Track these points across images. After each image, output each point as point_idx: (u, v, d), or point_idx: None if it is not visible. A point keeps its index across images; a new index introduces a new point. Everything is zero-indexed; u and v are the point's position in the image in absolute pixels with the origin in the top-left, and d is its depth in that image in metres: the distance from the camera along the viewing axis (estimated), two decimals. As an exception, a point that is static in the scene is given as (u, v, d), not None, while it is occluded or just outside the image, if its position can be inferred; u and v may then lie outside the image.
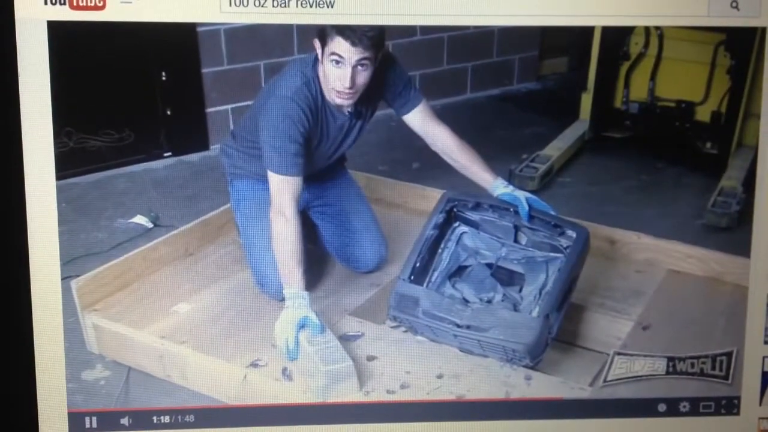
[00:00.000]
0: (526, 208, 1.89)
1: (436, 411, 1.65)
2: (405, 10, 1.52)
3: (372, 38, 1.78)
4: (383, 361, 1.77)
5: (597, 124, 3.20)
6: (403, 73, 1.98)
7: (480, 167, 1.97)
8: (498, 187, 1.95)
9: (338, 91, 1.86)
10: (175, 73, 2.85)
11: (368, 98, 1.95)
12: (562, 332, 1.86)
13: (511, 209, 1.93)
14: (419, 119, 2.01)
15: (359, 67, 1.82)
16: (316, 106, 1.90)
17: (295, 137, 1.86)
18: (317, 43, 1.83)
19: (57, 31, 1.46)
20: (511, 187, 1.94)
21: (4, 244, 1.52)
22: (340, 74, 1.83)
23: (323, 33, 1.80)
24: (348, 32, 1.76)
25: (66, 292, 1.67)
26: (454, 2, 1.52)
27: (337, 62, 1.81)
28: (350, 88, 1.84)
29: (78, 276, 1.93)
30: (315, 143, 1.95)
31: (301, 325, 1.75)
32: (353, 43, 1.77)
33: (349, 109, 1.95)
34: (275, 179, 1.86)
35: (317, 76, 1.89)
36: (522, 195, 1.91)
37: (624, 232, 2.20)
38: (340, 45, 1.78)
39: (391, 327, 1.90)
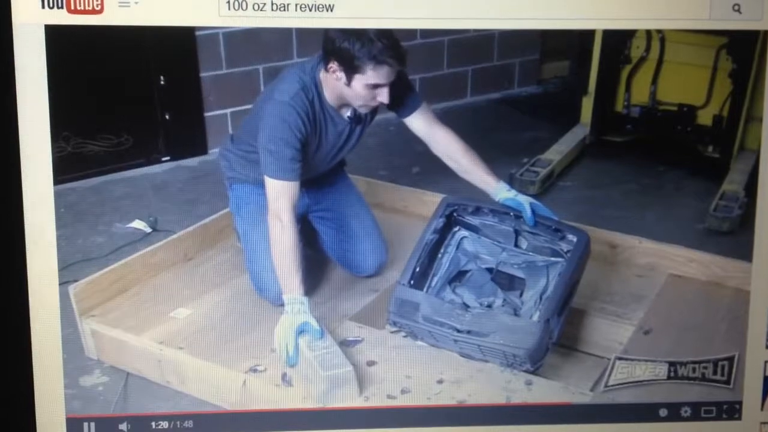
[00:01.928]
0: (530, 213, 1.88)
1: (436, 416, 1.64)
2: (405, 14, 1.51)
3: (402, 52, 1.78)
4: (383, 366, 1.76)
5: (598, 128, 3.19)
6: (405, 77, 1.97)
7: (483, 170, 1.96)
8: (500, 190, 1.94)
9: (370, 106, 1.89)
10: (173, 77, 2.85)
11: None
12: (563, 337, 1.85)
13: (512, 213, 1.92)
14: (421, 121, 2.00)
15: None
16: (314, 111, 1.89)
17: (291, 142, 1.85)
18: (336, 66, 1.81)
19: (54, 35, 1.45)
20: (513, 192, 1.93)
21: (2, 249, 1.51)
22: (377, 93, 1.83)
23: (351, 61, 1.78)
24: (389, 59, 1.76)
25: (64, 297, 1.67)
26: (455, 5, 1.51)
27: (376, 86, 1.81)
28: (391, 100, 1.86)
29: (76, 281, 1.93)
30: (314, 148, 1.95)
31: (301, 331, 1.74)
32: (391, 66, 1.78)
33: (349, 114, 1.95)
34: (272, 184, 1.85)
35: (316, 83, 1.88)
36: (526, 200, 1.91)
37: (625, 237, 2.20)
38: (379, 74, 1.78)
39: (391, 332, 1.89)
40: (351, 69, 1.79)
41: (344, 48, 1.76)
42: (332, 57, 1.80)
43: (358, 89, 1.82)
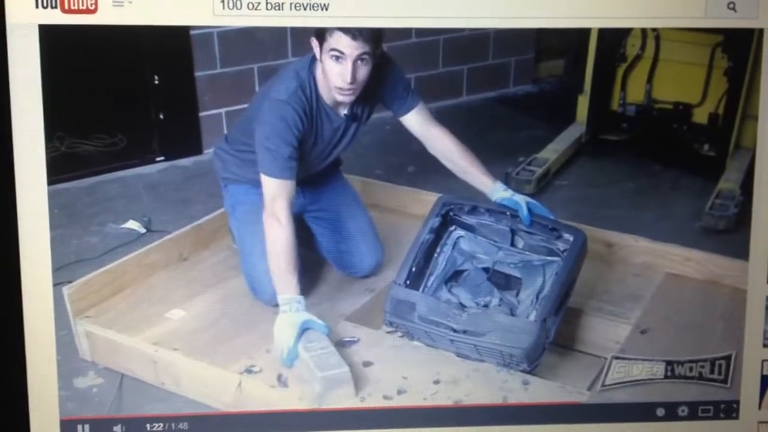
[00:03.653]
0: (527, 212, 1.88)
1: (433, 416, 1.64)
2: (400, 13, 1.50)
3: (372, 31, 1.77)
4: (380, 366, 1.75)
5: (594, 127, 3.19)
6: (401, 75, 1.98)
7: (479, 170, 1.96)
8: (497, 190, 1.94)
9: (339, 88, 1.85)
10: (167, 76, 2.85)
11: (365, 100, 1.94)
12: (559, 336, 1.85)
13: (508, 213, 1.91)
14: (418, 121, 2.00)
15: (359, 62, 1.80)
16: (311, 108, 1.89)
17: (289, 140, 1.85)
18: (315, 42, 1.82)
19: (48, 34, 1.44)
20: (510, 192, 1.93)
21: (-5, 250, 1.50)
22: (340, 70, 1.81)
23: (321, 30, 1.79)
24: (350, 28, 1.74)
25: (58, 298, 1.66)
26: (450, 4, 1.51)
27: (338, 58, 1.79)
28: (351, 83, 1.83)
29: (70, 282, 1.91)
30: (310, 145, 1.94)
31: (305, 328, 1.73)
32: (353, 37, 1.76)
33: (346, 112, 1.94)
34: (269, 183, 1.84)
35: (314, 78, 1.88)
36: (522, 199, 1.90)
37: (621, 236, 2.20)
38: (340, 40, 1.76)
39: (388, 332, 1.89)
40: (320, 39, 1.80)
41: None
42: (313, 36, 1.82)
43: (326, 61, 1.81)
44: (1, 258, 1.50)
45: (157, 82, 2.82)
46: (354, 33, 1.75)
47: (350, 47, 1.77)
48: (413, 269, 1.88)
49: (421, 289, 1.89)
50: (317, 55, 1.84)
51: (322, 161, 2.05)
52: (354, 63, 1.80)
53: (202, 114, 2.97)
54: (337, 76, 1.82)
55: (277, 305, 1.79)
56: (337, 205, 2.14)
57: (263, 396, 1.68)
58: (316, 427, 1.62)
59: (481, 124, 3.37)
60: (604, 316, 1.94)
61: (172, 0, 1.46)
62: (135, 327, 1.89)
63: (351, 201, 2.17)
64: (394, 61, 1.96)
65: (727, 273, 2.03)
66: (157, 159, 2.87)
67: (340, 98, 1.89)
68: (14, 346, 1.52)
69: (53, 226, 1.51)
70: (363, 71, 1.83)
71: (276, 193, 1.84)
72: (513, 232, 1.94)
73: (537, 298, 1.85)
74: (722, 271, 2.05)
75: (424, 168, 2.47)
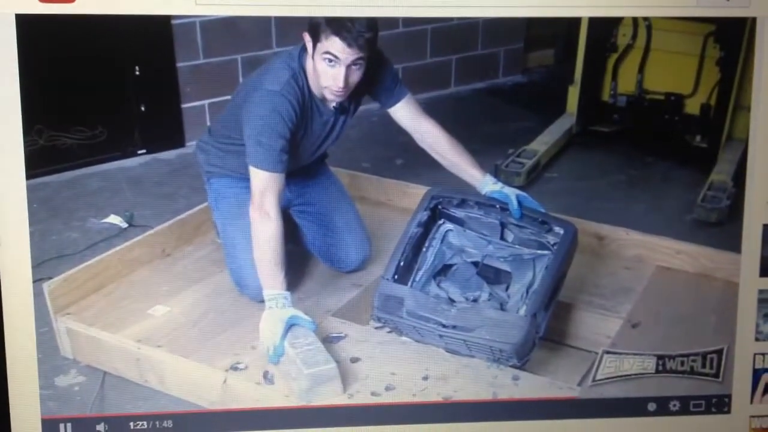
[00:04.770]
0: (517, 205, 1.87)
1: (422, 413, 1.63)
2: (386, 2, 1.50)
3: (368, 40, 1.75)
4: (367, 362, 1.74)
5: (584, 118, 3.18)
6: (391, 68, 1.96)
7: (469, 163, 1.95)
8: (487, 184, 1.93)
9: (331, 90, 1.84)
10: (149, 67, 2.82)
11: (354, 93, 1.92)
12: (549, 331, 1.84)
13: (498, 206, 1.90)
14: (406, 112, 1.98)
15: (353, 67, 1.79)
16: (303, 99, 1.87)
17: (282, 133, 1.83)
18: (307, 37, 1.80)
19: (26, 24, 1.42)
20: (500, 184, 1.92)
21: (-27, 246, 1.48)
22: (333, 73, 1.80)
23: (316, 29, 1.76)
24: (344, 33, 1.73)
25: (38, 295, 1.66)
26: (437, -7, 1.50)
27: (331, 61, 1.78)
28: (344, 87, 1.81)
29: (50, 278, 1.89)
30: (299, 138, 1.92)
31: (291, 324, 1.72)
32: (349, 44, 1.74)
33: (334, 105, 1.92)
34: (260, 176, 1.82)
35: (303, 70, 1.86)
36: (512, 192, 1.89)
37: (612, 228, 2.19)
38: (334, 44, 1.75)
39: (375, 328, 1.87)
40: (314, 37, 1.77)
41: (315, 16, 1.75)
42: (307, 29, 1.79)
43: (318, 61, 1.80)
44: (-22, 254, 1.48)
45: (138, 73, 2.79)
46: (349, 40, 1.74)
47: (344, 53, 1.76)
48: (401, 264, 1.87)
49: (409, 284, 1.88)
50: (309, 51, 1.82)
51: (312, 154, 2.03)
52: (348, 68, 1.79)
53: (184, 106, 2.95)
54: (329, 78, 1.81)
55: (262, 301, 1.77)
56: (323, 198, 2.13)
57: (249, 393, 1.67)
58: (303, 424, 1.61)
59: (470, 115, 3.36)
60: (595, 310, 1.94)
61: (153, -12, 1.45)
62: (117, 324, 1.87)
63: (338, 194, 2.15)
64: (383, 53, 1.94)
65: (719, 266, 2.03)
66: (139, 152, 2.85)
67: (330, 98, 1.88)
68: (-7, 344, 1.50)
69: (33, 221, 1.50)
70: (356, 75, 1.82)
71: (266, 186, 1.81)
72: (503, 225, 1.93)
73: (527, 292, 1.85)
74: (714, 264, 2.04)
75: (412, 160, 2.46)
